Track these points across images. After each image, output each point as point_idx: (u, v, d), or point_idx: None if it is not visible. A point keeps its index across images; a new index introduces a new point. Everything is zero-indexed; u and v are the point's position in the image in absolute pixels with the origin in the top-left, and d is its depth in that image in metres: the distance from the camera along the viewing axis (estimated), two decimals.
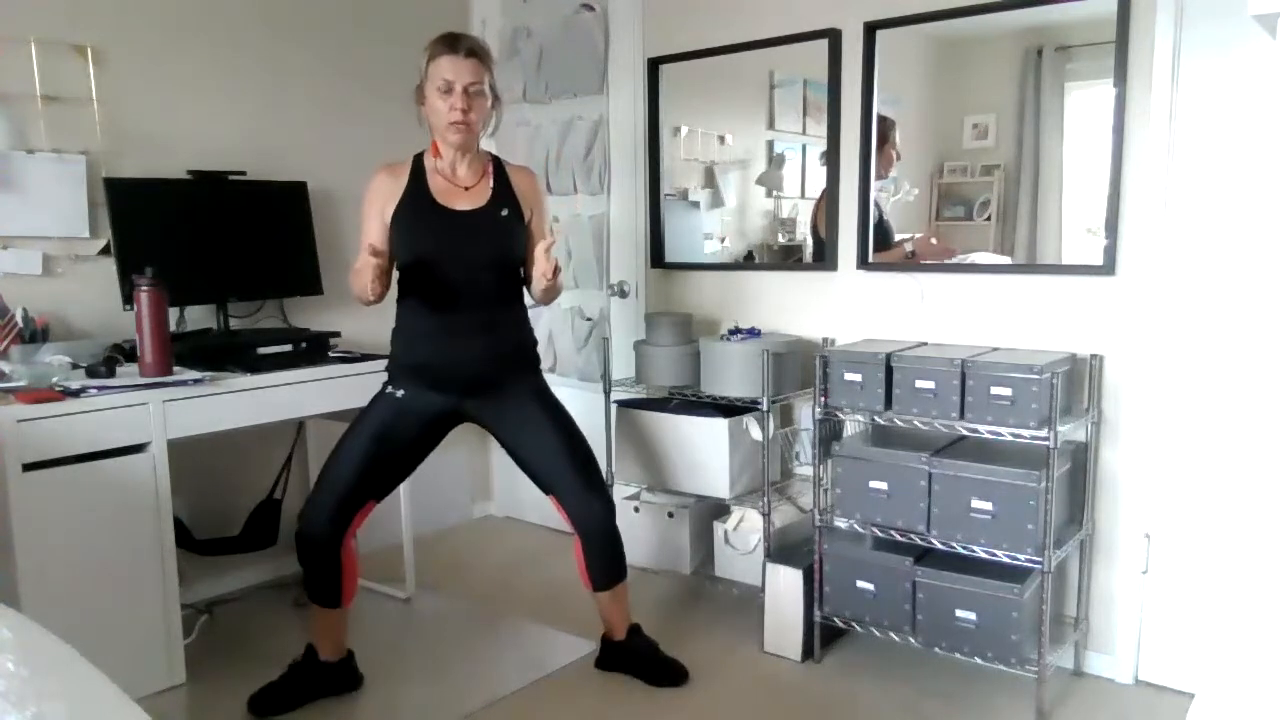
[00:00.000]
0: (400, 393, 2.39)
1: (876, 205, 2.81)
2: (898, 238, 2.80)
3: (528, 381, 2.47)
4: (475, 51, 2.28)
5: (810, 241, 3.01)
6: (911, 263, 2.77)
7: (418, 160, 2.39)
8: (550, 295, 2.41)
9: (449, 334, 2.36)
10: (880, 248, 2.82)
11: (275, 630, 2.86)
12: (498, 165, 2.44)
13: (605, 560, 2.49)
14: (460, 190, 2.37)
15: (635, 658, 2.56)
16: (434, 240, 2.32)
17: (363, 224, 2.38)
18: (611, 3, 3.38)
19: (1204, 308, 2.33)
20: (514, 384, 2.44)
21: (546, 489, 2.45)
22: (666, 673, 2.52)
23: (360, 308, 3.38)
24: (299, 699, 2.40)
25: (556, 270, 2.30)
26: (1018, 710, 2.37)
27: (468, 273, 2.34)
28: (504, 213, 2.38)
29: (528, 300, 2.49)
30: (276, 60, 3.18)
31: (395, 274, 2.40)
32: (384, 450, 2.37)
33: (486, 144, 2.47)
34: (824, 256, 2.94)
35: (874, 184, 2.81)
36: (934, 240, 2.73)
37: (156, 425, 2.39)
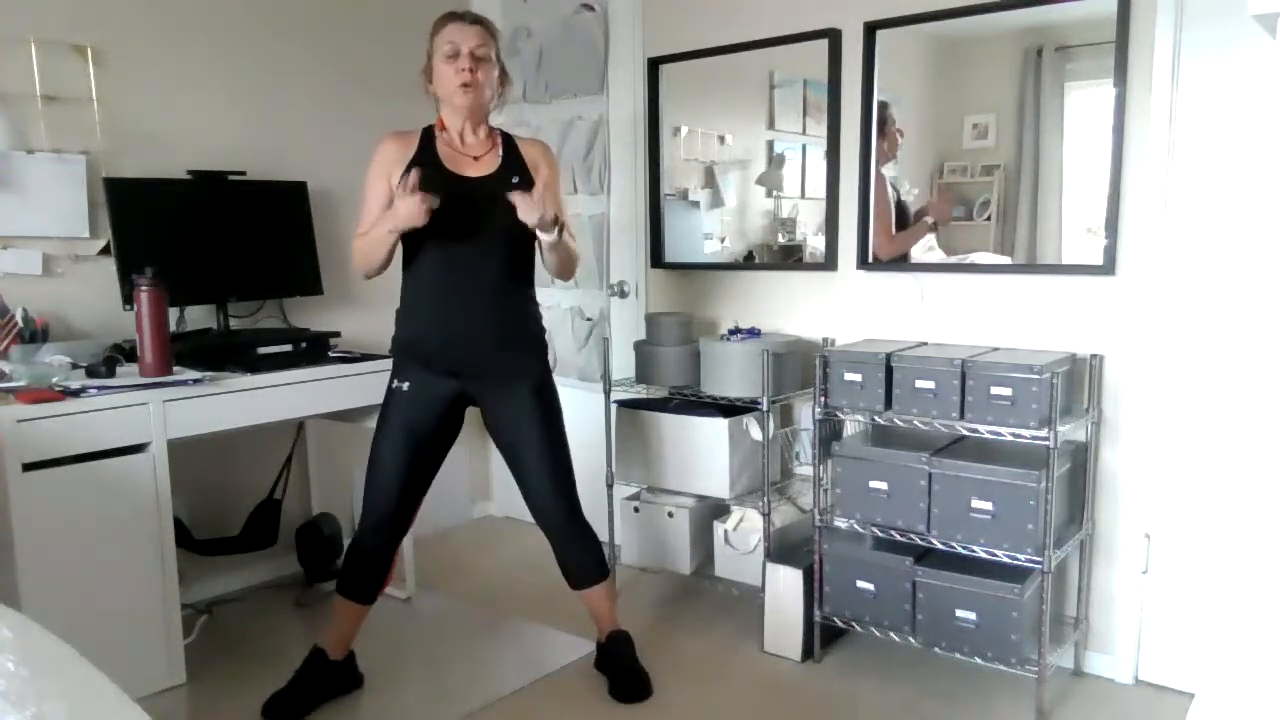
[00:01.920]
0: (405, 385, 2.36)
1: (894, 186, 2.81)
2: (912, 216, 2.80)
3: (531, 374, 2.40)
4: (480, 20, 2.30)
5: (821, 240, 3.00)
6: (911, 263, 2.77)
7: (427, 130, 2.37)
8: (563, 264, 2.35)
9: (453, 305, 2.30)
10: (900, 227, 2.81)
11: (275, 630, 2.86)
12: (507, 137, 2.42)
13: (574, 559, 2.51)
14: (469, 159, 2.34)
15: (607, 662, 2.56)
16: (442, 206, 2.25)
17: (367, 190, 2.33)
18: (611, 3, 3.38)
19: (1204, 308, 2.33)
20: (517, 373, 2.39)
21: (516, 481, 2.47)
22: (628, 685, 2.47)
23: (360, 308, 3.41)
24: (313, 702, 2.39)
25: (559, 224, 2.23)
26: (1018, 710, 2.37)
27: (475, 242, 2.29)
28: (514, 179, 2.34)
29: (551, 282, 2.44)
30: (276, 60, 3.18)
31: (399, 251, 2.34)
32: (416, 451, 2.36)
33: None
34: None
35: (886, 168, 2.80)
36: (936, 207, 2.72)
37: (156, 425, 2.39)
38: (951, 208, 2.70)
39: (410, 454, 2.35)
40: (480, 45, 2.27)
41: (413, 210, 2.14)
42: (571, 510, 2.46)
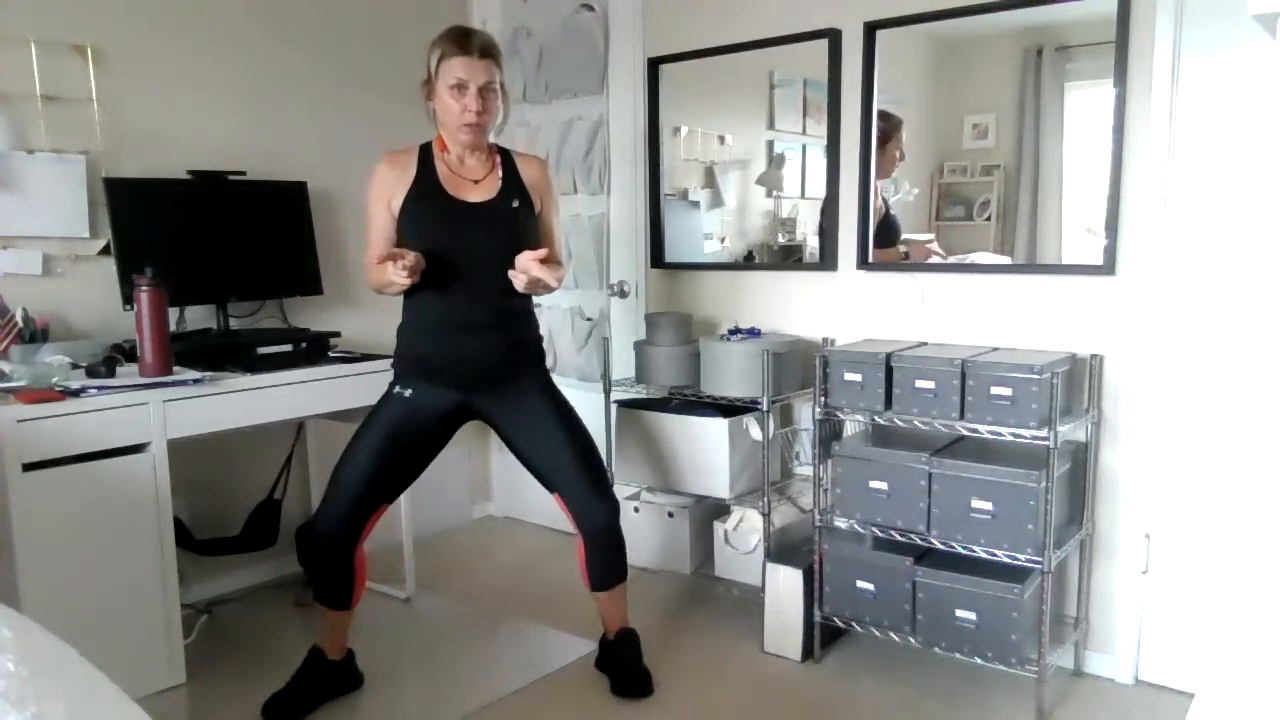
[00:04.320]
0: (408, 392, 2.37)
1: (884, 201, 2.81)
2: (903, 237, 2.80)
3: (535, 377, 2.44)
4: (488, 51, 2.27)
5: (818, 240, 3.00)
6: (911, 263, 2.77)
7: (424, 150, 2.35)
8: (537, 291, 2.35)
9: (457, 328, 2.33)
10: (888, 243, 2.82)
11: (275, 630, 2.86)
12: (505, 156, 2.41)
13: (606, 561, 2.48)
14: (469, 183, 2.34)
15: (613, 660, 2.55)
16: (445, 233, 2.29)
17: (369, 219, 2.35)
18: (611, 3, 3.38)
19: (1204, 308, 2.33)
20: (521, 380, 2.42)
21: (551, 487, 2.44)
22: (631, 681, 2.47)
23: (360, 308, 3.41)
24: (313, 702, 2.39)
25: (538, 281, 2.24)
26: (1018, 710, 2.37)
27: (478, 266, 2.30)
28: (514, 204, 2.35)
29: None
30: (276, 60, 3.18)
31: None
32: (396, 450, 2.35)
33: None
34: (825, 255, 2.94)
35: (879, 183, 2.80)
36: (932, 244, 2.72)
37: (156, 425, 2.39)
38: (928, 255, 2.73)
39: (385, 459, 2.33)
40: (488, 81, 2.26)
41: (393, 281, 2.21)
42: (613, 513, 2.44)
